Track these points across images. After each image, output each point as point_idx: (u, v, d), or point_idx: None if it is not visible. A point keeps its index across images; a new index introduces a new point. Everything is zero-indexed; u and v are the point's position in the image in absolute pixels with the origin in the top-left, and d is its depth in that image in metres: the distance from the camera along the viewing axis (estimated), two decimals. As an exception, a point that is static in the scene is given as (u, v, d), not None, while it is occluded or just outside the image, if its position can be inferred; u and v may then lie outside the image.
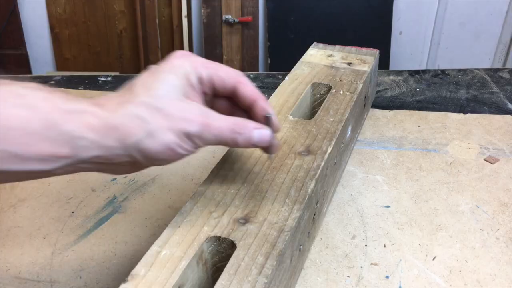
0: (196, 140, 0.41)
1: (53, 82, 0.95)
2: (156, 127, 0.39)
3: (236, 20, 2.30)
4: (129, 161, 0.40)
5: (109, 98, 0.41)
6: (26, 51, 2.43)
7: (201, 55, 2.43)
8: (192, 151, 0.42)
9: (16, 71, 2.36)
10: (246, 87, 0.46)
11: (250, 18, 2.32)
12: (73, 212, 0.62)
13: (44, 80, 0.95)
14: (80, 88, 0.92)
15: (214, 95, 0.47)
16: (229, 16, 2.30)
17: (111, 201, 0.63)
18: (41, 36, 2.43)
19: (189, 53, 0.45)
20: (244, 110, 0.47)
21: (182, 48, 2.34)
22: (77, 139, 0.37)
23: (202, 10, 2.32)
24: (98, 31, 2.41)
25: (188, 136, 0.40)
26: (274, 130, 0.45)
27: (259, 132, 0.43)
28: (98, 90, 0.92)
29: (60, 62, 2.48)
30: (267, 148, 0.46)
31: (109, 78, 0.96)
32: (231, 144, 0.43)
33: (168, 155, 0.40)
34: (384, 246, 0.56)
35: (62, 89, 0.41)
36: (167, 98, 0.40)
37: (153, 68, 0.43)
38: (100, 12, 2.38)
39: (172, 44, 2.39)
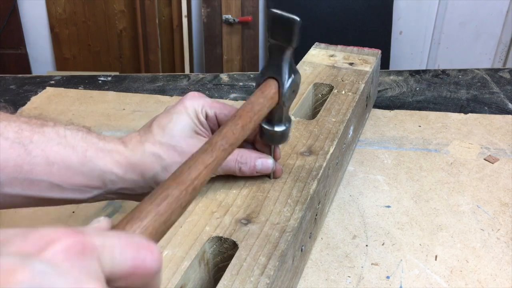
0: None
1: (53, 82, 0.95)
2: (170, 162, 0.46)
3: (236, 20, 2.30)
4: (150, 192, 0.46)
5: (131, 136, 0.47)
6: (26, 51, 2.43)
7: (201, 55, 2.43)
8: None
9: (16, 71, 2.36)
10: None
11: (250, 18, 2.31)
12: (73, 212, 0.62)
13: (44, 80, 0.95)
14: (80, 88, 0.92)
15: None
16: (229, 16, 2.30)
17: (112, 201, 0.63)
18: (41, 36, 2.43)
19: (199, 94, 0.50)
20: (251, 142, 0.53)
21: (182, 48, 2.34)
22: (106, 173, 0.44)
23: (202, 10, 2.32)
24: (98, 30, 2.41)
25: None
26: (276, 158, 0.50)
27: (261, 161, 0.49)
28: (98, 90, 0.92)
29: (60, 62, 2.48)
30: (270, 174, 0.51)
31: (109, 78, 0.96)
32: (238, 172, 0.48)
33: None
34: (385, 245, 0.56)
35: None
36: (179, 137, 0.47)
37: (168, 108, 0.49)
38: (100, 11, 2.37)
39: (172, 44, 2.39)
